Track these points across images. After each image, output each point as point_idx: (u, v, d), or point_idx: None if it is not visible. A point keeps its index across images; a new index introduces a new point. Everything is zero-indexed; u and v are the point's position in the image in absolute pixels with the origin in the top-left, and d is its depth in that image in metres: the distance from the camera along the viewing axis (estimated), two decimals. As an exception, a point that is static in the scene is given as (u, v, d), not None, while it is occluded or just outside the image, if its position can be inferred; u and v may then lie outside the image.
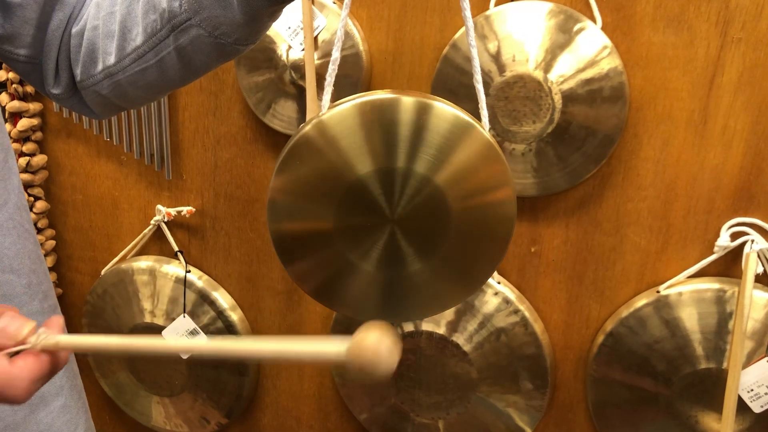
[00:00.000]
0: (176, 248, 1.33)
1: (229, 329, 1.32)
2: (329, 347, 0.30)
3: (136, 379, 1.41)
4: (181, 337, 1.32)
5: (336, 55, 0.49)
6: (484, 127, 0.47)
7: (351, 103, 0.45)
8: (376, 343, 0.27)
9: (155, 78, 0.59)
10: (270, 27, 0.58)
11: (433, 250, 0.47)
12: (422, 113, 0.44)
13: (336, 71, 0.50)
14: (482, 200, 0.46)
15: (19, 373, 0.34)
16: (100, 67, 0.60)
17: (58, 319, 0.38)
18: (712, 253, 1.03)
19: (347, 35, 1.08)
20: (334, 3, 1.09)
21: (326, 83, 0.49)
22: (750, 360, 1.00)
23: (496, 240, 0.47)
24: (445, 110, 0.44)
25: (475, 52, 0.48)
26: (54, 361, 0.37)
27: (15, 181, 0.61)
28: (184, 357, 1.34)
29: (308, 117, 1.10)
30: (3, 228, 0.57)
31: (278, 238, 0.48)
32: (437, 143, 0.44)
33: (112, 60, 0.59)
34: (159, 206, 1.31)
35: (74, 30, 0.61)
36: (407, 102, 0.44)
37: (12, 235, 0.58)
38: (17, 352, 0.35)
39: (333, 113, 0.45)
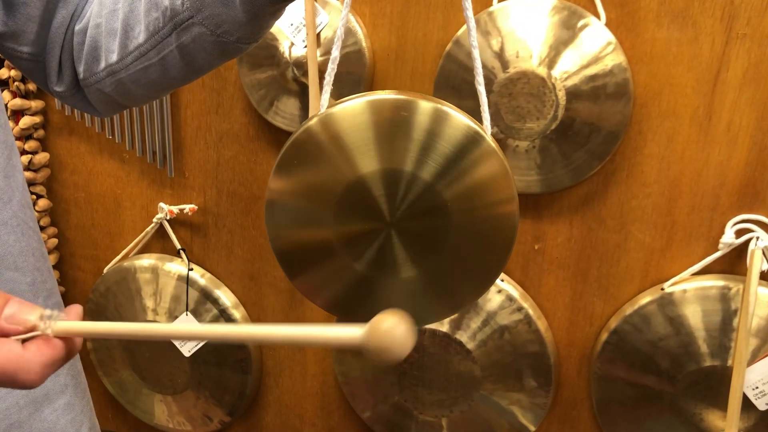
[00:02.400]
0: (179, 246, 1.33)
1: (232, 327, 1.32)
2: (346, 332, 0.30)
3: (139, 378, 1.41)
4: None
5: (335, 54, 0.49)
6: (491, 136, 0.46)
7: (364, 99, 0.45)
8: (391, 328, 0.28)
9: (158, 76, 0.59)
10: (272, 25, 0.58)
11: (431, 257, 0.47)
12: (438, 120, 0.44)
13: (335, 70, 0.49)
14: (485, 213, 0.46)
15: (32, 357, 0.35)
16: (102, 64, 0.60)
17: (77, 308, 0.39)
18: (717, 250, 1.03)
19: (350, 32, 1.08)
20: None
21: (325, 82, 0.48)
22: (755, 357, 1.00)
23: (496, 251, 0.47)
24: (459, 120, 0.44)
25: (476, 54, 0.48)
26: (67, 346, 0.37)
27: (19, 178, 0.61)
28: (191, 347, 1.34)
29: (311, 114, 1.10)
30: (7, 225, 0.57)
31: (276, 239, 0.47)
32: (447, 152, 0.44)
33: (114, 58, 0.59)
34: (161, 204, 1.30)
35: (77, 27, 0.61)
36: (425, 107, 0.44)
37: (16, 232, 0.58)
38: (29, 338, 0.35)
39: (343, 108, 0.45)
